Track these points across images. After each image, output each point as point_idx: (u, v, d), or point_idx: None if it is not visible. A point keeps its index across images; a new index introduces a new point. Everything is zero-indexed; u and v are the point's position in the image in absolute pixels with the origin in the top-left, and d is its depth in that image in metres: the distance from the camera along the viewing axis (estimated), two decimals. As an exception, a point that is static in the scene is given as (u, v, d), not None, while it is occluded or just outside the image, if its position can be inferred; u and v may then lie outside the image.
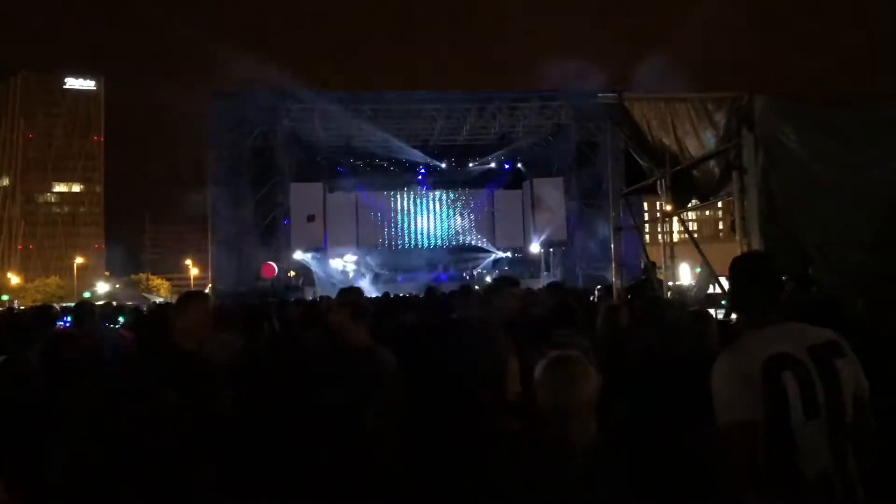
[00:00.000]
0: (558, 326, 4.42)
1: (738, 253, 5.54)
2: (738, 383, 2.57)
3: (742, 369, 2.58)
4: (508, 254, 38.79)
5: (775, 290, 2.82)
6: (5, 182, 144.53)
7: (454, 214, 39.66)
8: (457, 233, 39.61)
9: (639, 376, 4.44)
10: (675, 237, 7.84)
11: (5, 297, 72.80)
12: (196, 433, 3.44)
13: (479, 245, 39.25)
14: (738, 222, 5.67)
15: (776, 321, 2.70)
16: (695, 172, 6.79)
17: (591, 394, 2.71)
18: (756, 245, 5.30)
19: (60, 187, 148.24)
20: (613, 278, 8.58)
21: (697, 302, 7.26)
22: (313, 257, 34.74)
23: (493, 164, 38.64)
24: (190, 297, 4.10)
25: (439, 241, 39.38)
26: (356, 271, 36.94)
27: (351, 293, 4.70)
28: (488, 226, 39.53)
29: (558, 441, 2.63)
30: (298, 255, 34.10)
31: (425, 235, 39.39)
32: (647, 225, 13.67)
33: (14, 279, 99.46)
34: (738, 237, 5.70)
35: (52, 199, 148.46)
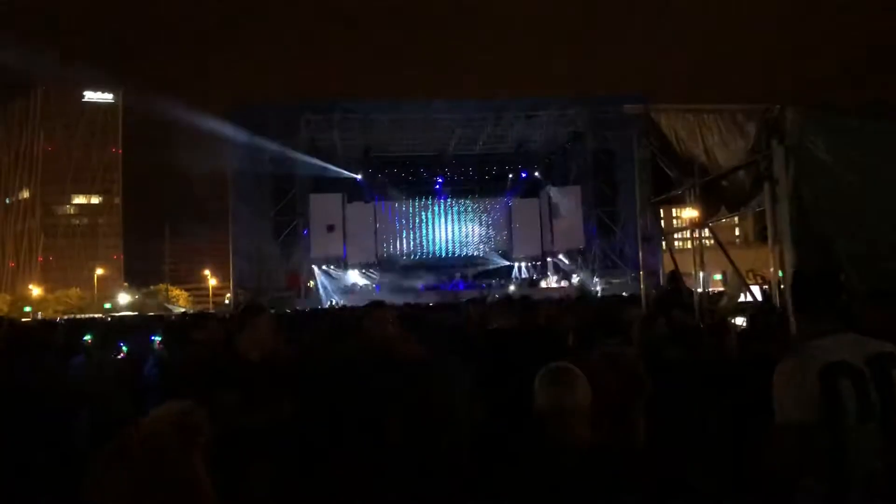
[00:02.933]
0: (605, 335, 4.51)
1: (757, 260, 5.67)
2: (796, 387, 2.75)
3: (801, 374, 2.76)
4: (527, 262, 38.84)
5: (836, 302, 2.95)
6: (25, 194, 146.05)
7: (472, 223, 39.76)
8: (474, 242, 39.70)
9: (677, 384, 4.54)
10: (695, 244, 7.90)
11: (27, 309, 73.58)
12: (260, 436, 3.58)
13: (497, 254, 39.34)
14: (769, 232, 5.75)
15: (836, 331, 2.86)
16: (724, 183, 6.87)
17: (582, 400, 2.85)
18: (788, 255, 5.38)
19: (80, 199, 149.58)
20: (641, 286, 8.66)
21: (728, 310, 7.34)
22: (325, 269, 34.92)
23: (510, 173, 38.78)
24: (254, 311, 4.21)
25: (457, 251, 39.49)
26: (374, 280, 37.15)
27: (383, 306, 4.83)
28: (506, 234, 39.63)
29: (555, 444, 2.77)
30: (315, 268, 34.31)
31: (443, 244, 39.52)
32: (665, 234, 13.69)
33: (35, 291, 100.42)
34: (769, 246, 5.78)
35: (72, 211, 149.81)
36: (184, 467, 2.06)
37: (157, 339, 6.64)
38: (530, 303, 7.30)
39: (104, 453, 1.97)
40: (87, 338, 6.21)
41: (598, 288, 33.61)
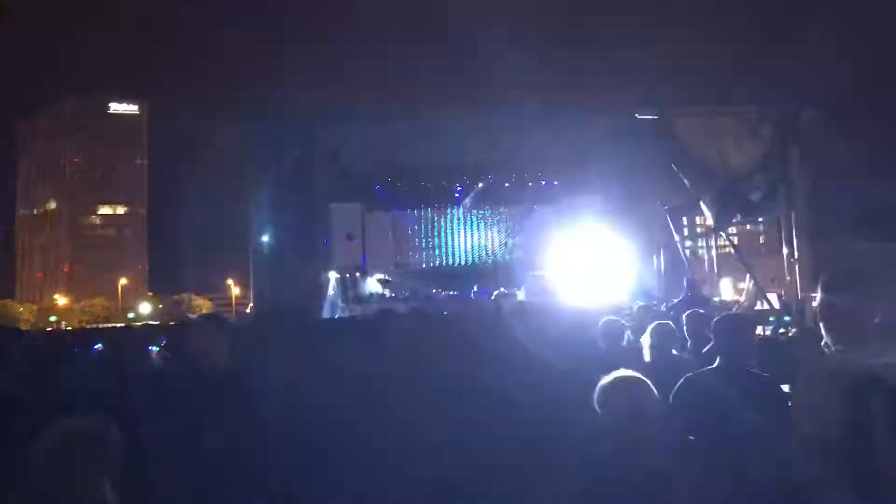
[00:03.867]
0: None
1: (780, 268, 5.51)
2: (821, 402, 2.57)
3: (826, 389, 2.57)
4: (545, 271, 38.58)
5: (860, 316, 2.77)
6: (52, 205, 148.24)
7: (490, 232, 39.60)
8: (493, 250, 39.53)
9: (695, 393, 4.41)
10: (709, 251, 7.73)
11: (53, 318, 74.50)
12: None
13: (517, 262, 39.12)
14: (784, 237, 5.59)
15: (867, 342, 2.68)
16: (739, 187, 6.71)
17: (652, 412, 2.74)
18: (804, 260, 5.22)
19: (105, 210, 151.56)
20: (658, 293, 8.50)
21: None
22: (341, 277, 34.89)
23: (529, 182, 38.56)
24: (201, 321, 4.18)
25: (477, 259, 39.33)
26: (394, 289, 37.09)
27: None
28: (525, 243, 39.43)
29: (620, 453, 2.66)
30: (332, 276, 34.30)
31: (461, 253, 39.37)
32: (687, 241, 13.55)
33: (61, 300, 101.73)
34: (785, 251, 5.61)
35: (98, 222, 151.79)
36: (85, 488, 1.97)
37: (155, 349, 6.56)
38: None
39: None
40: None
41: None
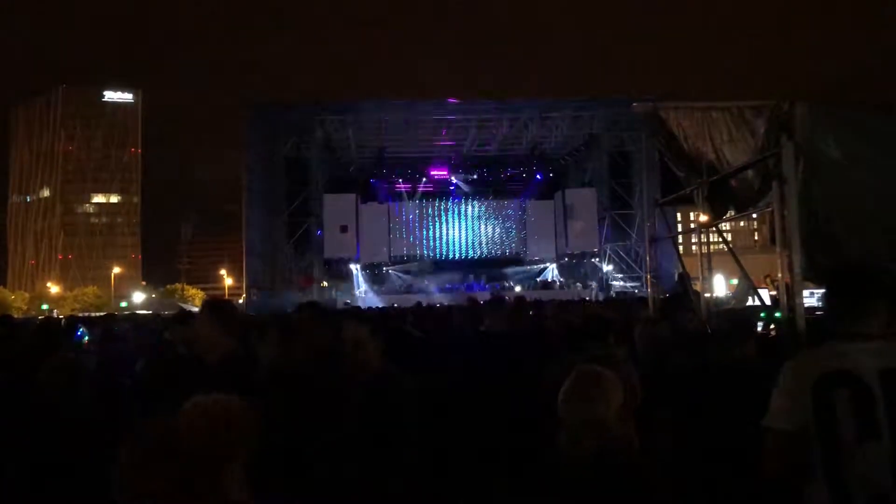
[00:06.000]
0: (592, 338, 4.34)
1: (774, 265, 5.47)
2: (788, 393, 2.59)
3: (795, 380, 2.59)
4: (540, 264, 38.61)
5: (859, 306, 2.66)
6: (46, 193, 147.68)
7: (486, 225, 39.59)
8: (489, 243, 39.53)
9: (683, 388, 4.37)
10: (701, 247, 7.68)
11: (45, 307, 74.28)
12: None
13: (511, 255, 39.14)
14: (777, 233, 5.54)
15: (866, 338, 2.59)
16: (733, 182, 6.66)
17: (612, 407, 2.69)
18: (797, 256, 5.17)
19: (99, 198, 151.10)
20: (648, 289, 8.47)
21: (733, 312, 7.14)
22: (334, 269, 34.90)
23: (525, 175, 38.58)
24: (207, 308, 4.11)
25: (471, 252, 39.34)
26: (389, 281, 37.10)
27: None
28: (520, 236, 39.44)
29: (575, 452, 2.61)
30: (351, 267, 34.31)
31: (457, 246, 39.38)
32: (680, 236, 13.50)
33: (54, 289, 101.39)
34: (777, 247, 5.57)
35: (91, 210, 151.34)
36: (227, 477, 1.82)
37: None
38: (523, 304, 7.12)
39: (136, 447, 1.75)
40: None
41: (613, 291, 33.41)
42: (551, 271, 38.03)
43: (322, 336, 4.51)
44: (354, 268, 35.54)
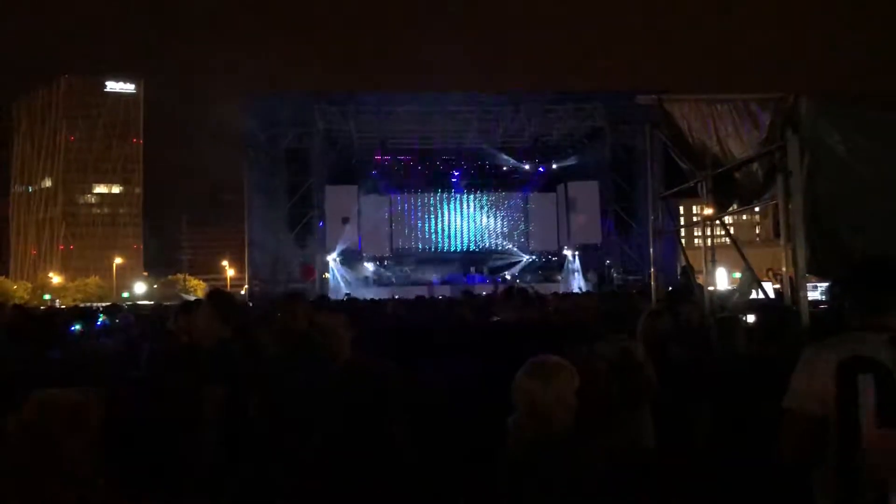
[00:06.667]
0: (613, 330, 4.37)
1: (776, 259, 5.50)
2: (812, 375, 2.62)
3: (818, 364, 2.62)
4: (542, 257, 38.59)
5: (882, 299, 2.71)
6: (48, 183, 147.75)
7: (488, 217, 39.52)
8: (491, 235, 39.47)
9: (682, 381, 4.39)
10: (706, 240, 7.67)
11: (47, 297, 74.39)
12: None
13: (514, 248, 39.10)
14: (782, 226, 5.54)
15: (889, 329, 2.62)
16: (737, 175, 6.66)
17: (564, 393, 2.74)
18: (801, 249, 5.18)
19: (101, 189, 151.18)
20: (652, 282, 8.46)
21: (739, 307, 7.14)
22: (342, 260, 34.87)
23: (527, 167, 38.52)
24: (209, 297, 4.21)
25: (473, 244, 39.28)
26: (389, 273, 37.11)
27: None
28: (522, 229, 39.39)
29: (535, 436, 2.66)
30: (330, 259, 34.28)
31: (459, 238, 39.33)
32: (682, 229, 13.49)
33: (56, 279, 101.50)
34: (782, 241, 5.57)
35: (93, 201, 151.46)
36: (69, 458, 2.02)
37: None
38: (534, 296, 7.13)
39: None
40: (77, 327, 6.15)
41: (615, 284, 33.37)
42: (553, 264, 38.00)
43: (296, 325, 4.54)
44: (356, 259, 35.56)
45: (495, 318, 6.11)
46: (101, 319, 8.40)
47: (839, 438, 2.51)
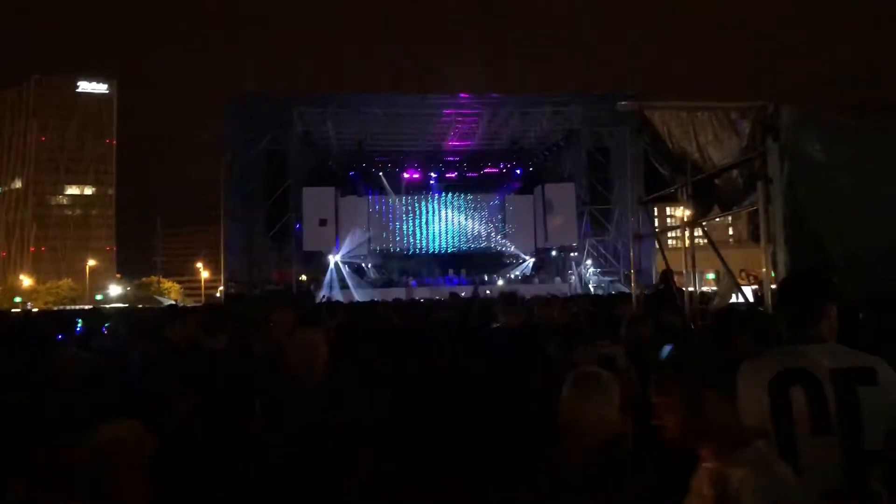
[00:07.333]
0: (598, 335, 4.43)
1: (748, 260, 5.61)
2: (746, 393, 2.66)
3: (752, 380, 2.69)
4: (520, 258, 38.74)
5: (812, 310, 2.83)
6: (18, 184, 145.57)
7: (466, 219, 39.59)
8: (468, 237, 39.54)
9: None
10: (688, 243, 7.79)
11: (18, 300, 73.27)
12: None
13: (491, 249, 39.20)
14: (762, 232, 5.65)
15: (811, 338, 2.76)
16: (717, 181, 6.77)
17: (613, 409, 2.76)
18: (781, 255, 5.28)
19: (73, 190, 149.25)
20: (633, 284, 8.57)
21: (718, 311, 7.24)
22: (321, 262, 34.77)
23: (504, 169, 38.67)
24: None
25: (451, 246, 39.34)
26: (368, 275, 37.01)
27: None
28: (500, 230, 39.51)
29: (579, 453, 2.67)
30: (331, 260, 34.15)
31: (437, 240, 39.36)
32: (661, 232, 13.62)
33: (26, 281, 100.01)
34: (762, 246, 5.68)
35: (65, 202, 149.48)
36: (127, 489, 2.04)
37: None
38: (523, 299, 7.20)
39: (38, 469, 1.93)
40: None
41: (591, 286, 33.58)
42: (530, 265, 38.14)
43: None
44: (333, 261, 35.45)
45: (497, 325, 6.16)
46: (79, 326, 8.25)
47: (779, 450, 2.56)
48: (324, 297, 30.85)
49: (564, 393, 2.79)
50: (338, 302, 15.19)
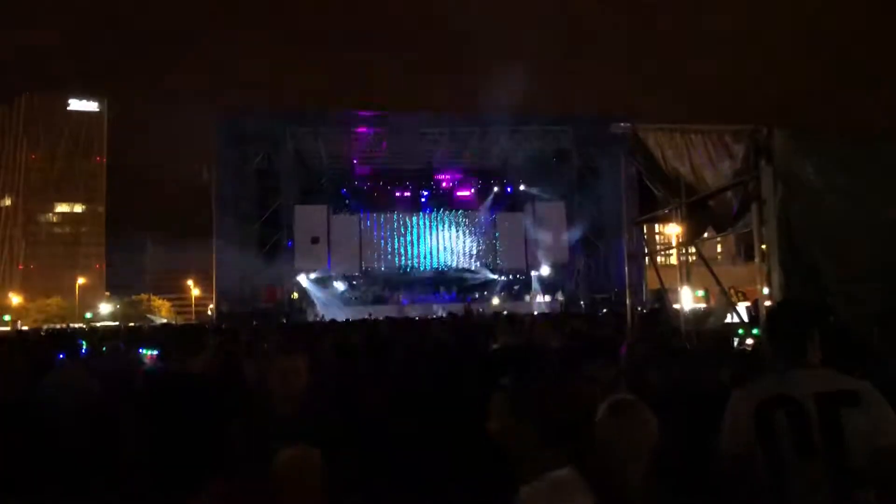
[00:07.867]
0: (591, 356, 4.44)
1: (738, 278, 5.67)
2: (734, 420, 2.83)
3: (742, 407, 2.83)
4: (510, 276, 38.78)
5: (799, 339, 2.92)
6: (7, 202, 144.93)
7: (457, 237, 39.68)
8: (460, 255, 39.61)
9: (662, 406, 4.46)
10: (680, 263, 7.88)
11: (7, 318, 72.68)
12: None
13: (482, 267, 39.26)
14: (756, 253, 5.72)
15: (798, 364, 2.86)
16: (711, 203, 6.84)
17: (650, 439, 2.76)
18: (775, 276, 5.34)
19: (63, 207, 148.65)
20: (627, 303, 8.62)
21: (715, 331, 7.30)
22: (313, 280, 34.72)
23: (495, 188, 38.82)
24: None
25: (442, 264, 39.38)
26: (359, 293, 36.97)
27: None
28: (491, 248, 39.59)
29: (615, 484, 2.65)
30: (301, 279, 34.09)
31: (428, 258, 39.41)
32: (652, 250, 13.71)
33: (16, 299, 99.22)
34: (756, 266, 5.75)
35: (55, 220, 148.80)
36: None
37: (147, 352, 6.47)
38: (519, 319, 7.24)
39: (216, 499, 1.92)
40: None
41: (582, 304, 33.63)
42: (521, 284, 38.20)
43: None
44: (325, 279, 35.41)
45: (495, 346, 6.18)
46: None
47: (768, 473, 2.68)
48: (316, 315, 30.79)
49: (601, 419, 2.79)
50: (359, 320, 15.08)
